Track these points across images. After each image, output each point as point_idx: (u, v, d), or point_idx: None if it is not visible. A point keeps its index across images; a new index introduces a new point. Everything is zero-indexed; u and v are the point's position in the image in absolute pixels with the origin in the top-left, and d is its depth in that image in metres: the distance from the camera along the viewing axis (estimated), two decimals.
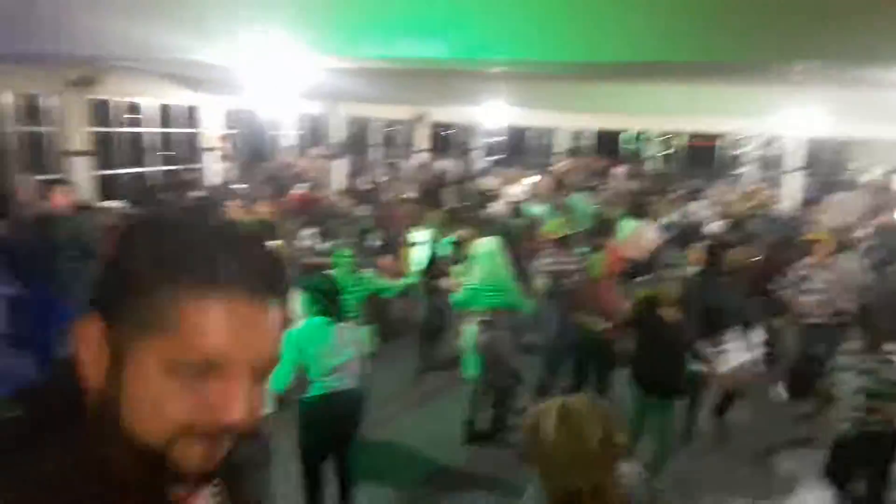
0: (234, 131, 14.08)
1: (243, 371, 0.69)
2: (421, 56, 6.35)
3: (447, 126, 20.39)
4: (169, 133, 12.36)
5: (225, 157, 12.83)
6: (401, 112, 17.95)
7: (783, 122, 12.29)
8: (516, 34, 5.24)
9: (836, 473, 4.15)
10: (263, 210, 7.28)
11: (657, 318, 4.51)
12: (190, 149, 12.72)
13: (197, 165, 12.57)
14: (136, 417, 0.68)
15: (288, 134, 15.90)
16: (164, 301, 0.67)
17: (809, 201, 11.26)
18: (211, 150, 12.75)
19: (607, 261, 5.45)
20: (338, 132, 14.33)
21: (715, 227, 8.59)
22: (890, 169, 15.75)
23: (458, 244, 6.17)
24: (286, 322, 0.76)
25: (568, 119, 17.29)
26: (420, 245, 6.38)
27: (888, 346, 3.89)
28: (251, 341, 0.69)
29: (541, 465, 1.80)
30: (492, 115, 13.92)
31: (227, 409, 0.68)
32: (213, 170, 12.52)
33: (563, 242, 5.93)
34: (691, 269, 5.86)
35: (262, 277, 0.71)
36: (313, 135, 16.26)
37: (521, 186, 11.95)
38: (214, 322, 0.67)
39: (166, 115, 12.08)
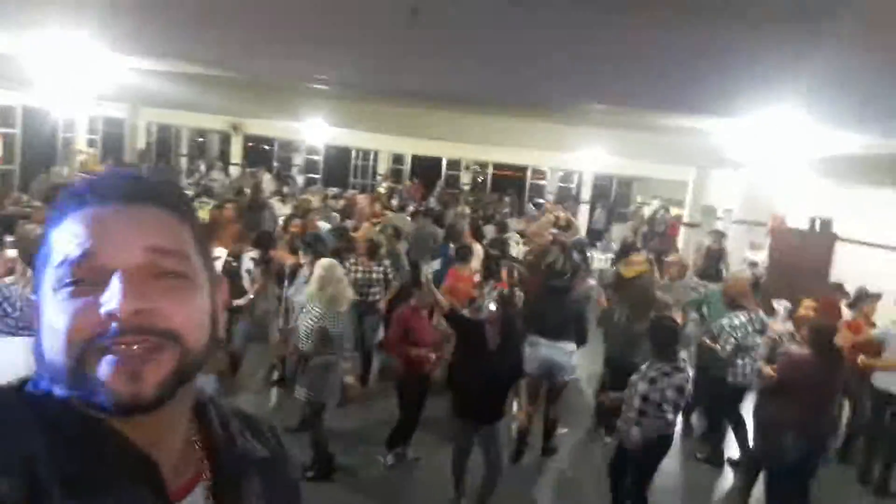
0: (10, 130, 12.44)
1: (128, 271, 0.70)
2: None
3: (264, 140, 19.74)
4: None
5: None
6: (213, 122, 17.06)
7: (579, 158, 13.57)
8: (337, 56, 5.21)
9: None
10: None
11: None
12: None
13: None
14: (48, 345, 0.71)
15: (80, 137, 14.40)
16: (46, 231, 0.74)
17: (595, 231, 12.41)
18: None
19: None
20: (138, 139, 13.24)
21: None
22: (664, 203, 17.96)
23: (261, 261, 6.08)
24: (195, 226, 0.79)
25: (385, 142, 17.57)
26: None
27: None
28: (125, 241, 0.72)
29: None
30: (312, 132, 13.72)
31: (108, 303, 0.69)
32: None
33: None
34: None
35: (127, 186, 0.76)
36: (112, 140, 14.84)
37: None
38: (79, 229, 0.72)
39: None
